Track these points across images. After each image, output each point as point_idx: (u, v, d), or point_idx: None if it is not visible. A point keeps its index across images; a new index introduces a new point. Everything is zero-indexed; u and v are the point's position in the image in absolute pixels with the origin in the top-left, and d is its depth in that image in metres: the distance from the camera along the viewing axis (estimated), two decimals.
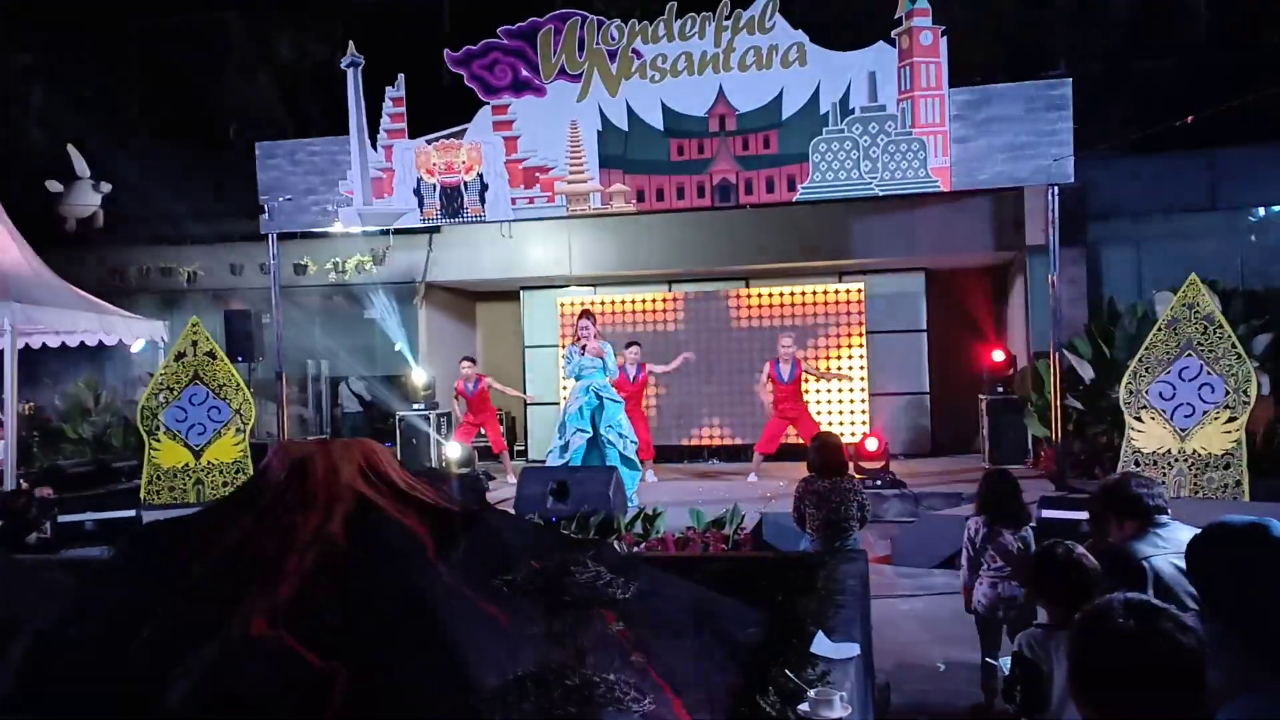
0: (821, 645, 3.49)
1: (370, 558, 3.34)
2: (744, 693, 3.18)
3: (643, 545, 6.83)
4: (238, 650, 2.94)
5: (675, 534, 7.08)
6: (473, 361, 12.38)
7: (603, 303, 14.07)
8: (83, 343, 12.88)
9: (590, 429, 9.13)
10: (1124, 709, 1.69)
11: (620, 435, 9.19)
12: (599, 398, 9.16)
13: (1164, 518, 3.26)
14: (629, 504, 8.36)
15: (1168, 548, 3.10)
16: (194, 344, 10.97)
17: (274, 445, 3.96)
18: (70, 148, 14.12)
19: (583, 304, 13.47)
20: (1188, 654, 1.67)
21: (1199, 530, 2.57)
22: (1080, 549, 3.13)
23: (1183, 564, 2.92)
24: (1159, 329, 8.65)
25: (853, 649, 3.49)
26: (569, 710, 1.67)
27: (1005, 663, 3.20)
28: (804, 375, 11.48)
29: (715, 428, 13.86)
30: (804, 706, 2.86)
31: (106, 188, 14.47)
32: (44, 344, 13.10)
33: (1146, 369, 8.67)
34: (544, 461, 10.42)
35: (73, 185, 14.20)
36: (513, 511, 7.35)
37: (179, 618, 3.16)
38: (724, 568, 5.07)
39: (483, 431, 12.44)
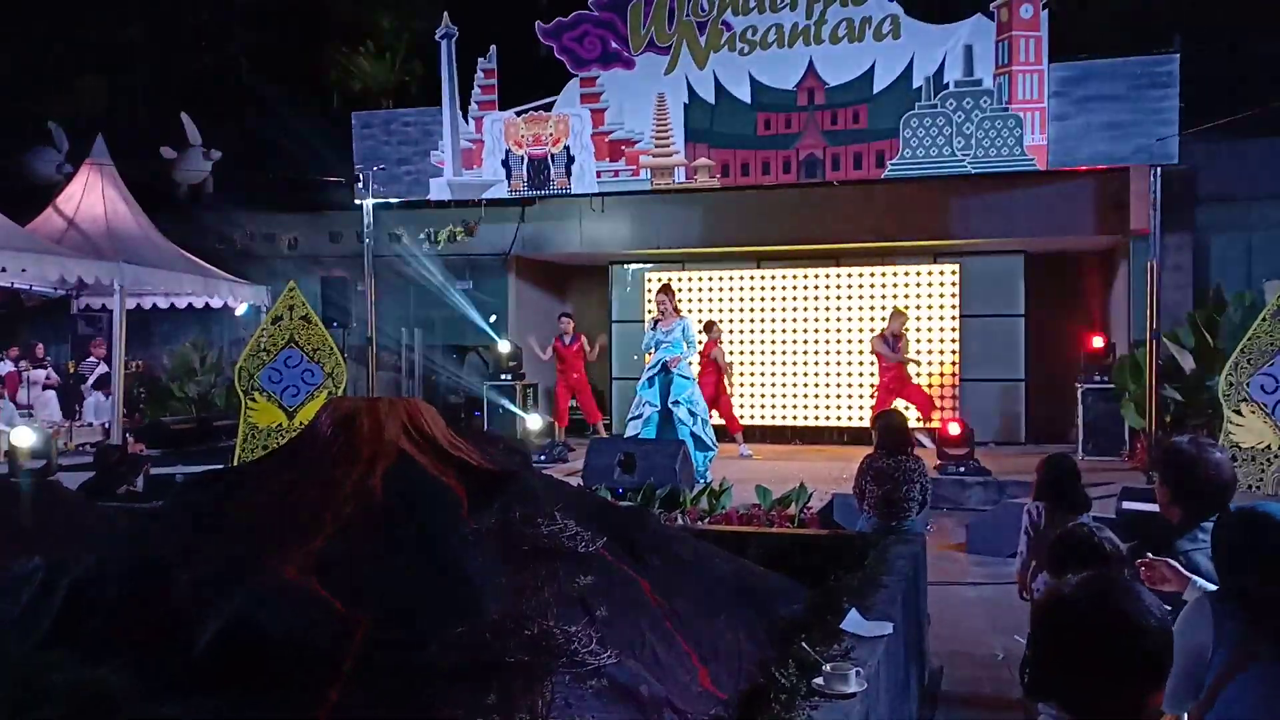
0: (853, 622, 3.44)
1: (405, 513, 3.40)
2: (771, 665, 3.16)
3: (706, 520, 6.81)
4: (266, 595, 3.03)
5: (740, 510, 7.05)
6: (570, 317, 12.67)
7: (690, 279, 14.04)
8: (190, 304, 13.43)
9: (659, 402, 9.13)
10: (1073, 686, 1.62)
11: (690, 413, 9.17)
12: (668, 371, 9.15)
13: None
14: (699, 480, 8.34)
15: (1209, 542, 2.91)
16: (290, 308, 11.26)
17: (324, 403, 4.06)
18: (183, 116, 14.65)
19: (668, 280, 13.47)
20: (1134, 631, 1.59)
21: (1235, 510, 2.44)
22: (1106, 531, 2.99)
23: None
24: (1263, 319, 8.23)
25: (884, 628, 3.43)
26: (521, 658, 1.67)
27: None
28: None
29: (799, 408, 13.72)
30: (818, 680, 2.82)
31: (216, 155, 14.99)
32: (154, 304, 13.72)
33: (1249, 360, 8.26)
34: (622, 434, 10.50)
35: (184, 152, 14.74)
36: (580, 482, 7.41)
37: (217, 563, 3.27)
38: (777, 543, 5.04)
39: (575, 403, 12.67)
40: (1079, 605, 1.63)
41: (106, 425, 11.94)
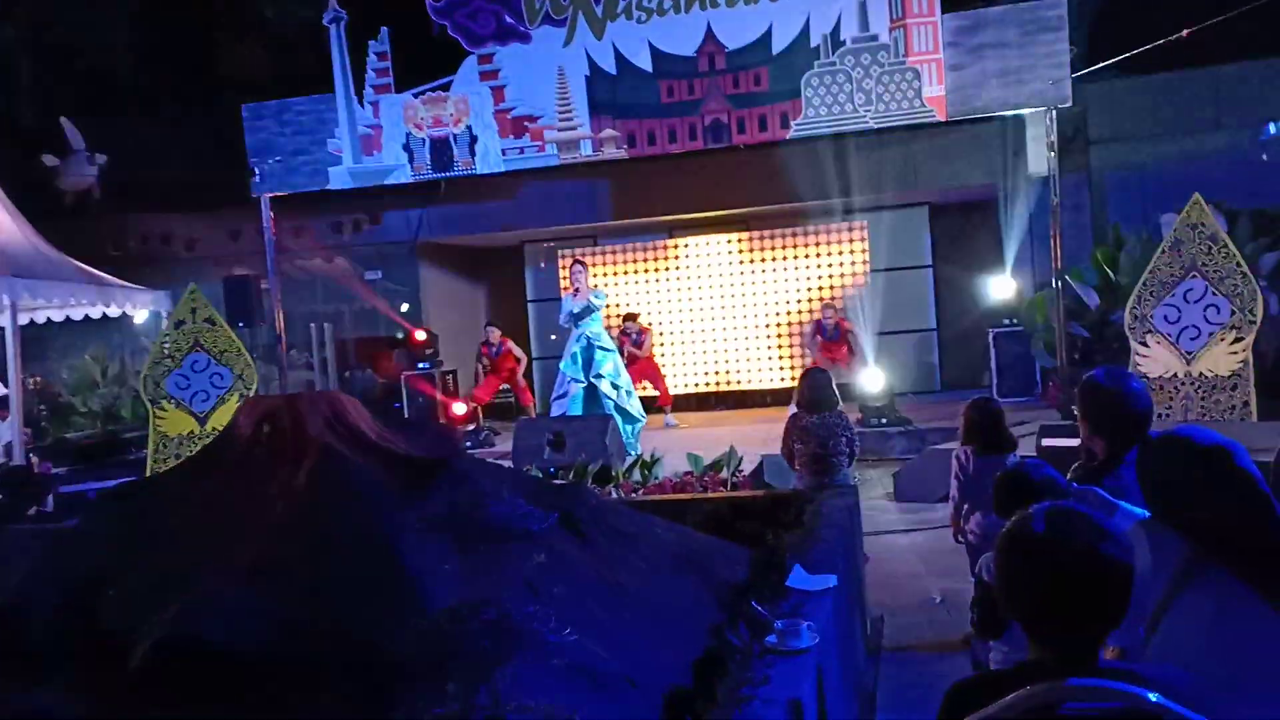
0: (798, 578, 3.45)
1: (337, 508, 3.30)
2: (724, 628, 3.16)
3: (640, 491, 6.79)
4: (202, 605, 2.92)
5: (673, 479, 7.04)
6: (495, 326, 12.63)
7: (603, 254, 13.98)
8: (87, 315, 12.89)
9: (584, 378, 9.09)
10: (1043, 616, 1.64)
11: (614, 385, 9.14)
12: (590, 345, 9.11)
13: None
14: (628, 453, 8.32)
15: (1132, 477, 2.96)
16: (193, 311, 10.90)
17: (241, 403, 3.92)
18: (64, 120, 14.03)
19: (579, 255, 13.39)
20: (1104, 561, 1.61)
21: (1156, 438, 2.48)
22: (1046, 470, 3.05)
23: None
24: (1162, 251, 8.47)
25: (829, 581, 3.45)
26: (482, 644, 1.62)
27: None
28: (848, 332, 11.68)
29: (721, 374, 13.79)
30: (771, 638, 2.82)
31: (102, 159, 14.38)
32: (48, 318, 13.13)
33: (1151, 292, 8.51)
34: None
35: (68, 158, 14.12)
36: (510, 463, 7.33)
37: (147, 575, 3.14)
38: (714, 508, 5.05)
39: (506, 387, 12.70)
40: (1041, 535, 1.64)
41: (8, 446, 11.43)
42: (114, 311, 12.57)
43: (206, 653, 2.78)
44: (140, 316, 13.12)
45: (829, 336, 11.82)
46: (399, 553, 3.00)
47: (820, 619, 3.05)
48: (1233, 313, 8.15)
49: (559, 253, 14.17)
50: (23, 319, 11.95)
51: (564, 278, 12.83)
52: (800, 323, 13.22)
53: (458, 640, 1.64)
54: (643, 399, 10.15)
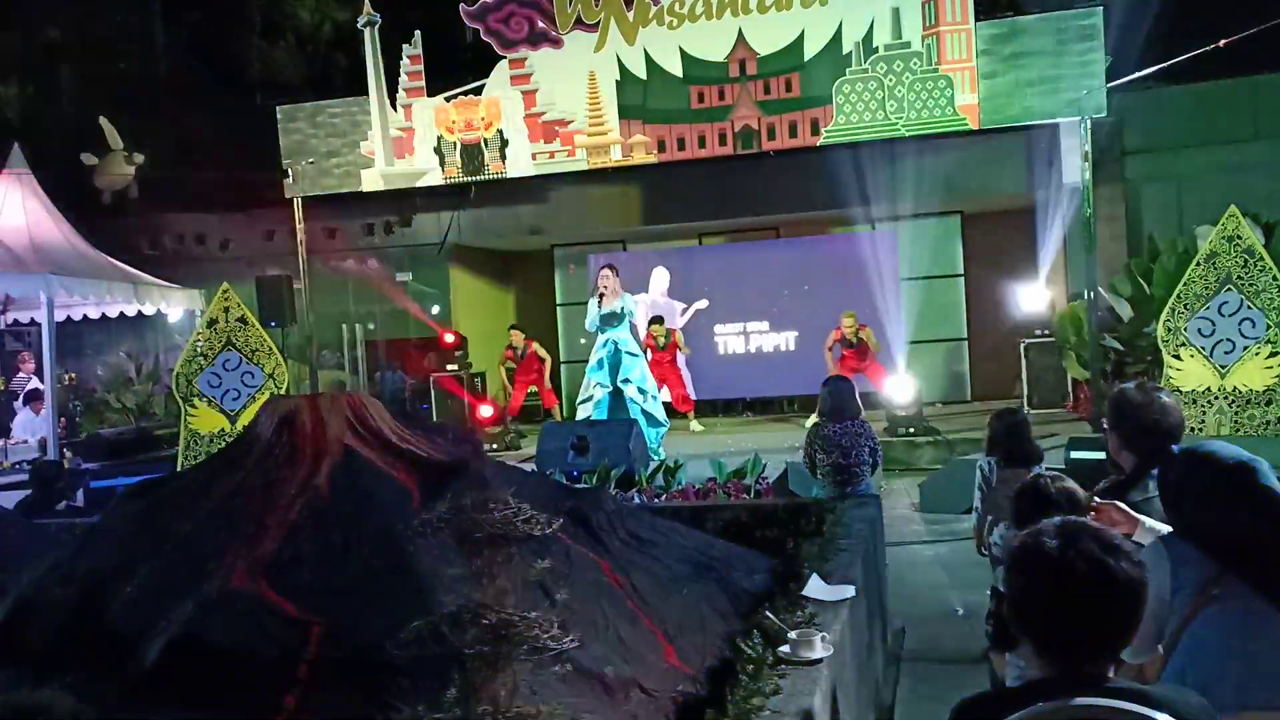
0: (815, 588, 3.43)
1: (354, 510, 3.32)
2: (737, 637, 3.14)
3: (663, 497, 6.77)
4: (215, 604, 2.94)
5: (696, 485, 7.02)
6: (519, 329, 12.64)
7: (632, 259, 13.97)
8: (122, 313, 13.06)
9: (610, 382, 9.08)
10: (1051, 632, 1.61)
11: (640, 390, 9.12)
12: (618, 350, 9.10)
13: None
14: (653, 458, 8.30)
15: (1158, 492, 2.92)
16: (226, 310, 11.02)
17: (264, 403, 3.95)
18: (102, 120, 14.23)
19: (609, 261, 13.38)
20: (1114, 577, 1.58)
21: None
22: (1066, 482, 3.01)
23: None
24: (1197, 264, 8.36)
25: (847, 591, 3.42)
26: (482, 649, 1.61)
27: None
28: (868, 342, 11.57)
29: (748, 381, 13.73)
30: (785, 648, 2.80)
31: (139, 159, 14.58)
32: (84, 315, 13.33)
33: (1185, 305, 8.40)
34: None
35: (106, 157, 14.32)
36: (534, 468, 7.33)
37: (162, 574, 3.17)
38: (735, 515, 5.03)
39: (534, 390, 12.74)
40: (1050, 551, 1.61)
41: (42, 441, 11.61)
42: (149, 309, 12.75)
43: (217, 651, 2.81)
44: (174, 315, 13.29)
45: (851, 345, 11.68)
46: (407, 555, 3.01)
47: (836, 630, 3.03)
48: (1268, 327, 8.03)
49: (588, 257, 14.18)
50: (59, 315, 12.14)
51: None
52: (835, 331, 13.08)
53: (459, 644, 1.64)
54: (665, 405, 10.12)
